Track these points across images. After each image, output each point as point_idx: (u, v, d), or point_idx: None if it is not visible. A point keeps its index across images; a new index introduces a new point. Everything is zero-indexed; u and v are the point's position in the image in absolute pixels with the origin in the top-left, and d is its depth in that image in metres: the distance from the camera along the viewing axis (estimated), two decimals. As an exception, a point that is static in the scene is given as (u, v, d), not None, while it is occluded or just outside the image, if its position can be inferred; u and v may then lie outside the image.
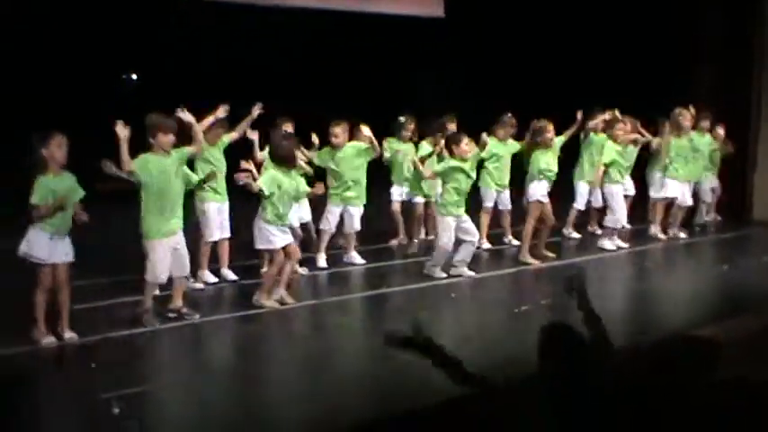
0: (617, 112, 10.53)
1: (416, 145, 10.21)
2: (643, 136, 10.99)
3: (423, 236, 10.51)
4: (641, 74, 14.39)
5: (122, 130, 6.80)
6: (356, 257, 9.58)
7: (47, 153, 6.55)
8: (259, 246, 7.93)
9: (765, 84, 12.64)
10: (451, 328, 7.64)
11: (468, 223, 8.92)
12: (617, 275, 9.66)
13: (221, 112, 8.18)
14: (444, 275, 8.90)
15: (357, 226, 9.48)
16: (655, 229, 11.22)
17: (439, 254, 8.91)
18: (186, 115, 7.38)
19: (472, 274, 9.04)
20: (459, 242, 8.94)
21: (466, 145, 8.78)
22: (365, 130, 9.29)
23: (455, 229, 8.80)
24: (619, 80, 14.30)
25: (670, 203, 11.22)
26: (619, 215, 10.48)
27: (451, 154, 8.85)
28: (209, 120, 8.08)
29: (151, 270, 7.12)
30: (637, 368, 3.98)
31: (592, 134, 10.65)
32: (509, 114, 10.23)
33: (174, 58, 14.22)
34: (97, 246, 9.05)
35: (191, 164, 8.03)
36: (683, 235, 11.33)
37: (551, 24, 15.56)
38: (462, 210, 8.87)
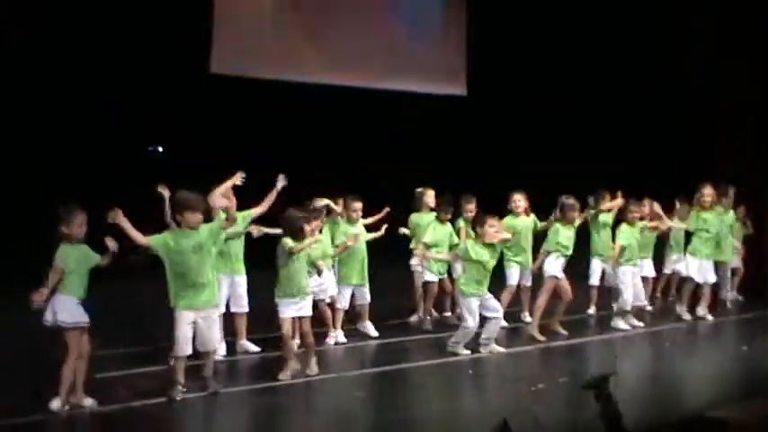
0: (620, 197, 10.53)
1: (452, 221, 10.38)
2: (661, 219, 11.01)
3: (435, 313, 10.57)
4: (661, 152, 14.48)
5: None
6: (371, 328, 9.73)
7: (67, 230, 6.76)
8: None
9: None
10: (463, 402, 7.75)
11: (491, 300, 8.89)
12: (633, 355, 9.63)
13: (237, 178, 8.08)
14: (467, 352, 8.89)
15: (368, 297, 9.74)
16: (680, 309, 11.16)
17: (462, 334, 8.86)
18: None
19: (502, 350, 9.03)
20: (483, 319, 8.94)
21: (491, 227, 8.73)
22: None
23: (479, 307, 8.80)
24: (638, 159, 14.43)
25: (697, 284, 11.13)
26: (626, 296, 10.35)
27: (477, 236, 8.86)
28: (228, 184, 7.99)
29: (176, 342, 7.13)
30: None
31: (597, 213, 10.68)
32: (518, 195, 10.39)
33: (199, 130, 14.49)
34: (122, 315, 9.22)
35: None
36: (710, 317, 11.18)
37: (571, 105, 15.75)
38: (485, 288, 8.83)
